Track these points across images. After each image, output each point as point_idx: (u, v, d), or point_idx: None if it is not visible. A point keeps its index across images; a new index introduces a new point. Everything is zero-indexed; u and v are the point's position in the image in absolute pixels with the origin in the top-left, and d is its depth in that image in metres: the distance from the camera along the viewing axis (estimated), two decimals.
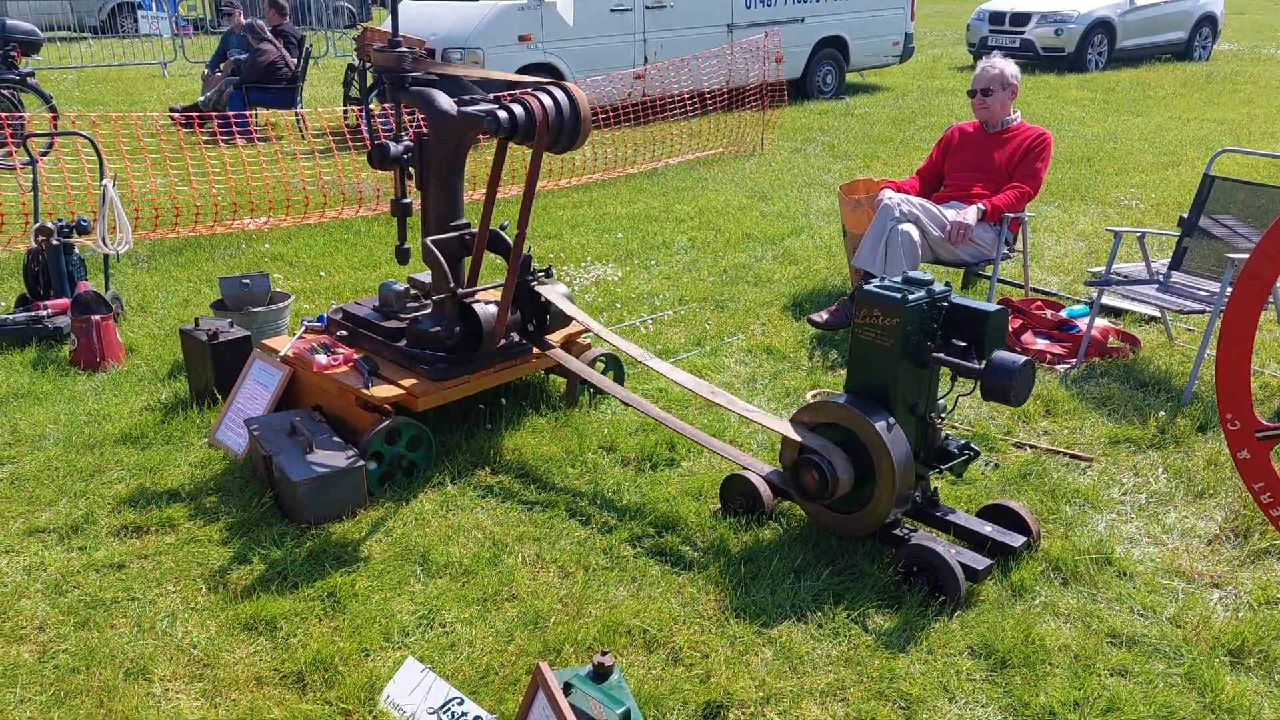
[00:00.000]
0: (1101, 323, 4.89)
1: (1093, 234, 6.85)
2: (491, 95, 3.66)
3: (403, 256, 4.04)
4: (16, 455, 3.88)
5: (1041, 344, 4.79)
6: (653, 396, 4.37)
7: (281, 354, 3.96)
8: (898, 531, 3.15)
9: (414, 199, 3.92)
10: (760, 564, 3.15)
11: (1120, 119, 11.50)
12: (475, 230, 3.87)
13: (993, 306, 3.05)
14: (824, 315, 5.04)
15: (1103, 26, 16.25)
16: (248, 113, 9.75)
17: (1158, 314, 5.08)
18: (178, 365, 4.69)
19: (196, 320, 4.32)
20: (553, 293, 3.91)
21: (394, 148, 3.81)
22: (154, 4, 20.47)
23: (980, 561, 3.01)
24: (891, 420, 3.03)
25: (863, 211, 5.45)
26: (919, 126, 11.14)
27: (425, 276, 4.18)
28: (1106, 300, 5.28)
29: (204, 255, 6.46)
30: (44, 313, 5.00)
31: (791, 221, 7.26)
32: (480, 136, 3.69)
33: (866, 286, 3.07)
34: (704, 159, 9.55)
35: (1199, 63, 17.37)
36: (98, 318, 4.66)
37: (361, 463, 3.45)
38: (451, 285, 3.64)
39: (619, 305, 5.56)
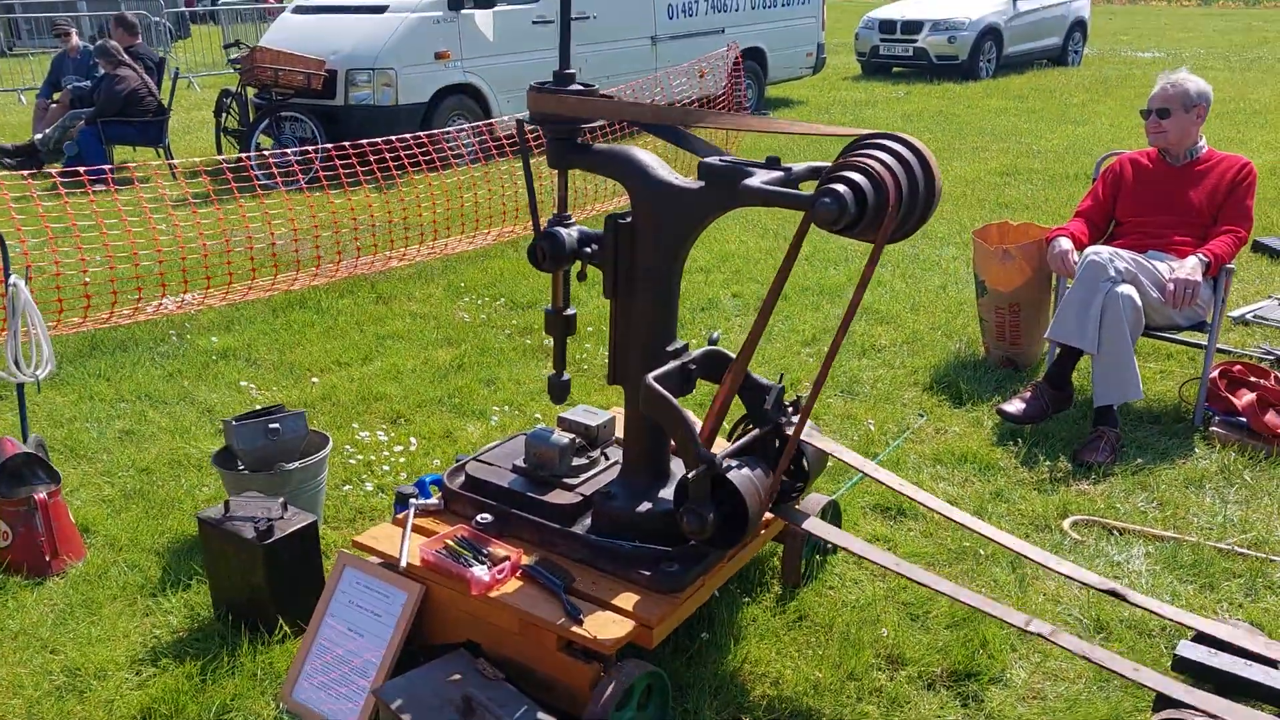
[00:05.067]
0: None
1: None
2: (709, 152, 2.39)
3: (561, 392, 2.72)
4: None
5: None
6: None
7: (404, 563, 2.54)
8: None
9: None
10: None
11: (1071, 129, 11.04)
12: (696, 359, 2.59)
13: None
14: (1019, 405, 3.97)
15: (992, 33, 16.06)
16: (108, 167, 7.84)
17: None
18: (166, 551, 3.18)
19: (226, 504, 2.82)
20: (811, 435, 2.67)
21: (568, 237, 2.48)
22: None
23: None
24: None
25: (1014, 265, 4.43)
26: None
27: (582, 416, 2.86)
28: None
29: (128, 357, 4.80)
30: None
31: (835, 267, 6.19)
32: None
33: None
34: None
35: (1074, 67, 17.52)
36: (43, 494, 3.08)
37: None
38: (704, 452, 2.33)
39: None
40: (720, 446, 2.74)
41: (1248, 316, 5.15)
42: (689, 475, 2.32)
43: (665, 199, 2.38)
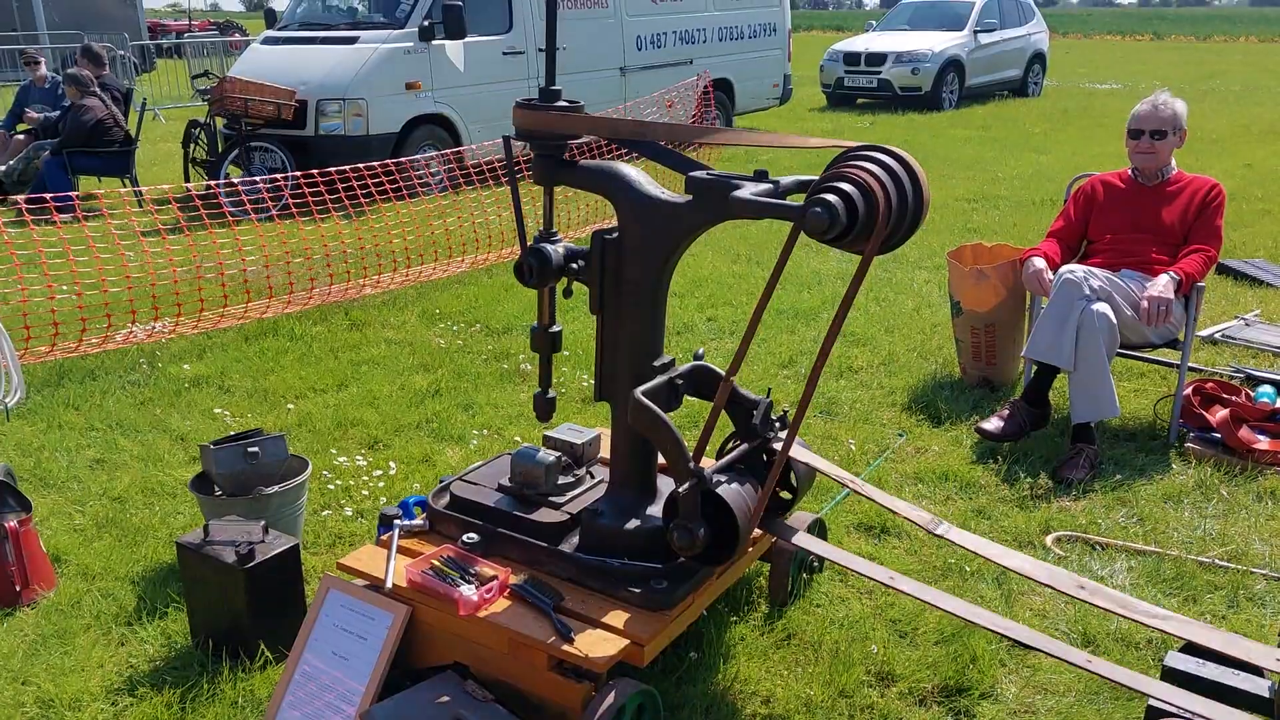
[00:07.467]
0: None
1: None
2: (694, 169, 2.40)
3: (547, 410, 2.70)
4: None
5: (1264, 441, 3.92)
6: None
7: (390, 584, 2.50)
8: None
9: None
10: None
11: (1034, 157, 11.23)
12: (683, 374, 2.58)
13: None
14: (997, 424, 3.99)
15: (954, 65, 16.36)
16: (74, 195, 7.74)
17: None
18: (141, 580, 3.11)
19: (206, 527, 2.77)
20: (799, 450, 2.66)
21: (555, 253, 2.48)
22: None
23: None
24: None
25: (988, 285, 4.48)
26: None
27: (568, 434, 2.84)
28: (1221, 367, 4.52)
29: (97, 386, 4.72)
30: None
31: (808, 290, 6.23)
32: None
33: None
34: None
35: (1035, 98, 17.86)
36: (13, 523, 3.01)
37: None
38: (695, 467, 2.32)
39: (701, 424, 4.32)
40: (707, 464, 2.74)
41: (1216, 336, 5.23)
42: (678, 490, 2.30)
43: (653, 213, 2.38)
